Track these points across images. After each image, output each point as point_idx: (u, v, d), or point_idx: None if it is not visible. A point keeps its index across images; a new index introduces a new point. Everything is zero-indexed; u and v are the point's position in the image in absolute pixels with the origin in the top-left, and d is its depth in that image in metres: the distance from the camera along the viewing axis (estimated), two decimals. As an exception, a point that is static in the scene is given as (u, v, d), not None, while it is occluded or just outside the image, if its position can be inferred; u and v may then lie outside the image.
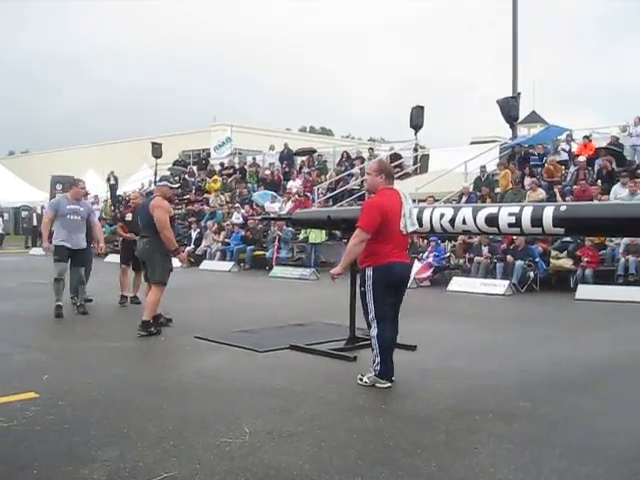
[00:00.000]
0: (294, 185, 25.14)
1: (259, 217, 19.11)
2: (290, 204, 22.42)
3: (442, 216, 6.84)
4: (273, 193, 24.73)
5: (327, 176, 25.49)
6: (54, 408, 5.37)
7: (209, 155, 34.71)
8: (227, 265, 20.06)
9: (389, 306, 6.29)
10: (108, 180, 33.85)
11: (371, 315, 6.25)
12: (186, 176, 30.83)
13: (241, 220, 22.62)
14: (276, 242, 19.81)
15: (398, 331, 6.44)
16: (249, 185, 27.22)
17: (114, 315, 10.66)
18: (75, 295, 10.99)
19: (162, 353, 7.69)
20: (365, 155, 26.26)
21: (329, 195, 23.04)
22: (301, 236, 20.41)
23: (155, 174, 32.39)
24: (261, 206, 23.41)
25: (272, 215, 19.57)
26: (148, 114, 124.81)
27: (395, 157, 25.30)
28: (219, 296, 12.84)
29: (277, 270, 18.38)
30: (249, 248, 20.52)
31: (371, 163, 6.83)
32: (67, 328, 9.31)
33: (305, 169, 26.89)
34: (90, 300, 11.51)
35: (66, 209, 10.64)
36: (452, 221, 6.76)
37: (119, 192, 32.84)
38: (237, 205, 24.22)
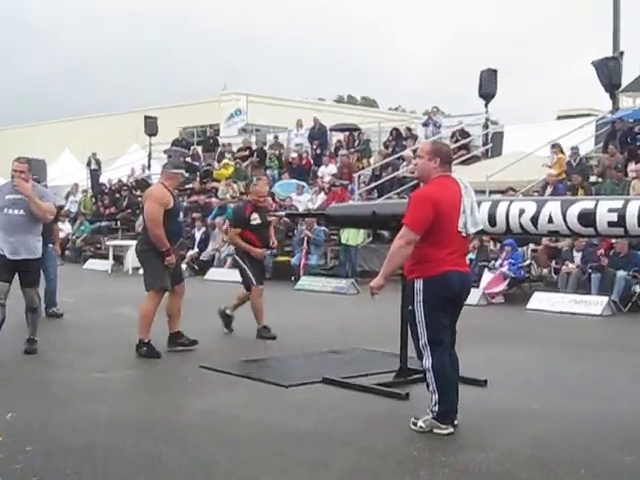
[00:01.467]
0: (328, 172, 24.91)
1: (282, 213, 18.16)
2: (322, 196, 22.20)
3: (522, 212, 6.78)
4: (301, 183, 24.46)
5: (370, 160, 25.03)
6: (20, 455, 5.30)
7: (218, 133, 34.31)
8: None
9: (446, 328, 6.20)
10: (88, 164, 33.59)
11: (422, 340, 6.16)
12: (189, 159, 30.18)
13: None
14: (304, 245, 19.72)
15: (458, 360, 6.37)
16: (270, 172, 26.63)
17: (98, 337, 10.53)
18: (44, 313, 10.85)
19: (158, 387, 7.61)
20: (420, 133, 25.56)
21: (373, 185, 22.74)
22: (337, 238, 20.27)
23: (149, 157, 32.37)
24: (285, 199, 23.08)
25: (299, 211, 19.49)
26: (138, 82, 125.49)
27: (462, 135, 24.85)
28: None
29: (305, 281, 18.43)
30: (269, 253, 19.69)
31: (423, 143, 6.72)
32: (37, 354, 9.21)
33: (342, 151, 26.38)
34: (59, 315, 11.84)
35: (5, 200, 9.29)
36: (534, 219, 6.67)
37: (103, 179, 32.44)
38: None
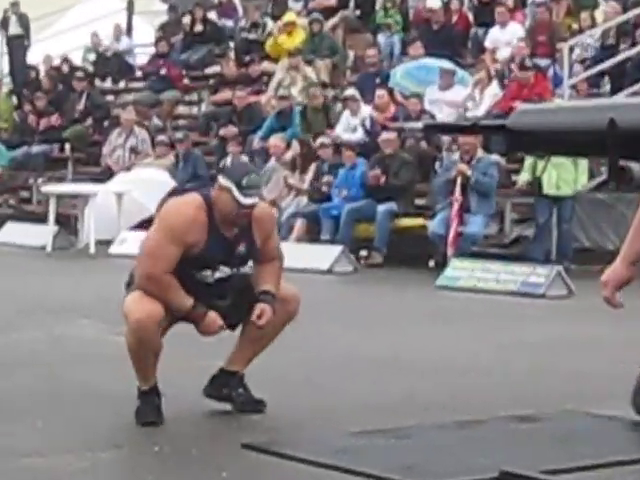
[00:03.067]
0: (505, 39, 17.30)
1: (415, 124, 14.39)
2: (494, 91, 15.94)
3: None
4: (448, 65, 17.10)
5: (596, 14, 17.62)
6: None
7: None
8: (324, 253, 14.95)
9: None
10: (3, 25, 22.57)
11: None
12: (213, 17, 21.89)
13: (360, 133, 16.58)
14: (456, 195, 13.98)
15: None
16: (383, 39, 19.15)
17: (32, 384, 7.84)
18: None
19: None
20: None
21: (600, 67, 16.15)
22: (526, 180, 14.56)
23: (129, 11, 23.30)
24: (412, 96, 16.73)
25: (446, 121, 14.22)
26: None
27: None
28: (301, 335, 9.38)
29: (458, 269, 13.22)
30: (382, 210, 14.86)
31: None
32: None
33: None
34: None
35: None
36: None
37: (33, 57, 22.87)
38: (350, 93, 17.20)
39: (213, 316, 6.38)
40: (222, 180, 6.37)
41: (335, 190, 15.93)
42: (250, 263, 6.54)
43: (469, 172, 14.12)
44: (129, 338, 6.38)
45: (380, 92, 16.99)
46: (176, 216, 6.41)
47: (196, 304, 6.44)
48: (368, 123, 16.74)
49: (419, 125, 11.60)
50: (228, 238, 6.41)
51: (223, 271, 6.51)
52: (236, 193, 6.13)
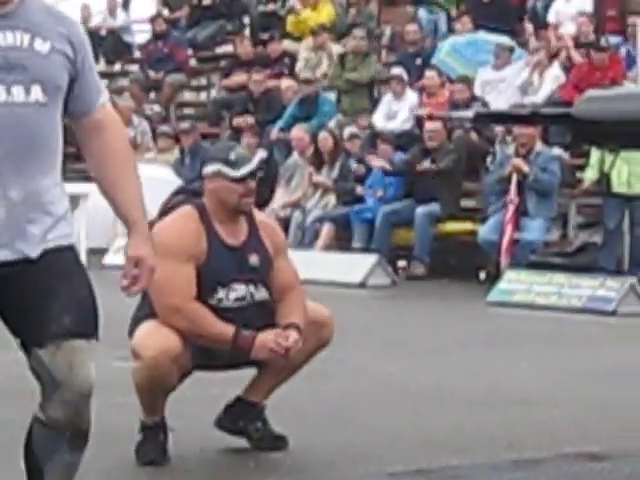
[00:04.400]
0: (568, 12, 16.57)
1: (461, 113, 13.85)
2: (556, 73, 15.39)
3: None
4: (502, 39, 16.68)
5: None
6: None
7: None
8: (356, 264, 14.67)
9: None
10: None
11: None
12: None
13: (400, 122, 16.46)
14: (511, 195, 13.78)
15: None
16: (425, 15, 18.62)
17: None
18: None
19: None
20: None
21: None
22: (594, 178, 14.12)
23: None
24: (461, 79, 16.31)
25: (500, 109, 14.19)
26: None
27: None
28: (331, 361, 9.23)
29: (511, 282, 13.19)
30: (422, 212, 14.56)
31: None
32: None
33: None
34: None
35: None
36: None
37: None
38: (396, 72, 16.75)
39: (264, 337, 6.27)
40: (208, 168, 6.45)
41: (369, 190, 15.36)
42: (266, 287, 6.48)
43: (526, 168, 13.72)
44: (138, 376, 6.32)
45: (430, 73, 16.43)
46: (165, 231, 6.33)
47: (238, 328, 6.32)
48: (415, 110, 16.26)
49: (469, 114, 11.39)
50: (234, 247, 6.33)
51: (238, 290, 6.44)
52: (227, 170, 6.18)
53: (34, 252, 3.84)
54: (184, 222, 6.44)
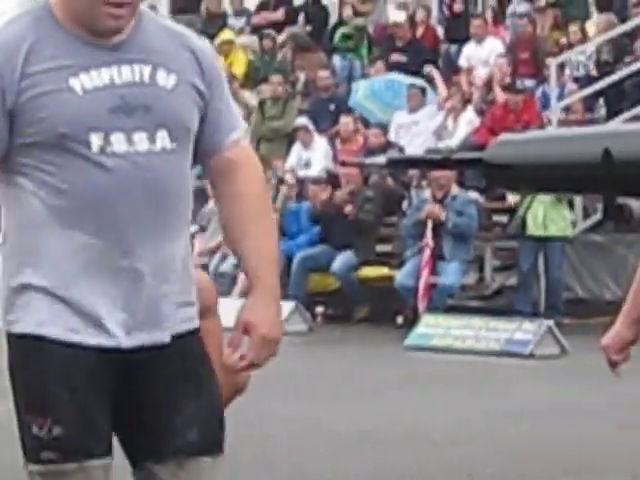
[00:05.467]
0: (481, 57, 17.27)
1: (379, 159, 11.98)
2: (471, 117, 15.61)
3: None
4: (416, 82, 17.09)
5: (587, 26, 17.16)
6: None
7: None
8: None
9: None
10: None
11: None
12: None
13: (317, 169, 16.56)
14: (427, 240, 13.89)
15: None
16: (339, 62, 19.18)
17: None
18: None
19: None
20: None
21: (595, 87, 15.88)
22: (508, 220, 14.74)
23: None
24: (375, 125, 16.65)
25: (414, 154, 14.00)
26: None
27: None
28: (250, 410, 8.83)
29: (428, 326, 13.28)
30: (343, 259, 14.91)
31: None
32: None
33: (518, 7, 18.19)
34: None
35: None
36: None
37: None
38: (301, 122, 17.28)
39: None
40: None
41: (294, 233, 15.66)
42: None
43: (442, 215, 13.84)
44: None
45: (345, 119, 16.59)
46: None
47: None
48: (330, 160, 16.57)
49: (382, 160, 11.38)
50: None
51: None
52: None
53: (166, 336, 3.19)
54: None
